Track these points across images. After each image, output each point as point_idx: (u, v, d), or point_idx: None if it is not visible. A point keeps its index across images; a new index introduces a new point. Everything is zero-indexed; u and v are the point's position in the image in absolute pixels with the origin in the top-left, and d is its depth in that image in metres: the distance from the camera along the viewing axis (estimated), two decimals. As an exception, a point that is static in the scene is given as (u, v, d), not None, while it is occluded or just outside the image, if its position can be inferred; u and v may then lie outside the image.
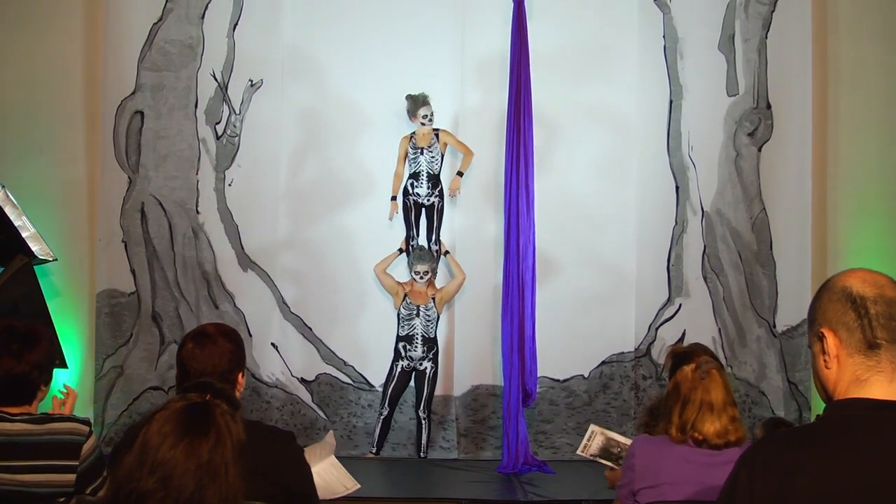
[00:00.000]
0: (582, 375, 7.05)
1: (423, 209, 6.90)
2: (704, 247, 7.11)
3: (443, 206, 6.92)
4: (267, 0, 7.04)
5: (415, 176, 6.88)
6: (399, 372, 6.78)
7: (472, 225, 7.07)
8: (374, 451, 6.77)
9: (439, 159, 6.88)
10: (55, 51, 6.85)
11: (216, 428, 1.80)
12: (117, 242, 6.91)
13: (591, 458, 3.99)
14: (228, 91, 7.03)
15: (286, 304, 7.04)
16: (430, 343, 6.78)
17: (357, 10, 7.07)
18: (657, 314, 7.08)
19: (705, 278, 7.10)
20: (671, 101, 7.12)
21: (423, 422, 6.77)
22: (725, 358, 6.92)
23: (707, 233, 7.11)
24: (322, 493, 2.86)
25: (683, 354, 3.25)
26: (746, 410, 6.80)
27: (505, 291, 6.50)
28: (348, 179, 7.09)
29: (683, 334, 6.95)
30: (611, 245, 7.09)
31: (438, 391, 6.86)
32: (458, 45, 7.06)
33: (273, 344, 7.02)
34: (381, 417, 6.79)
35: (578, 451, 4.05)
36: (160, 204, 6.97)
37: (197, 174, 7.01)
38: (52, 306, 6.24)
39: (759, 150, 7.10)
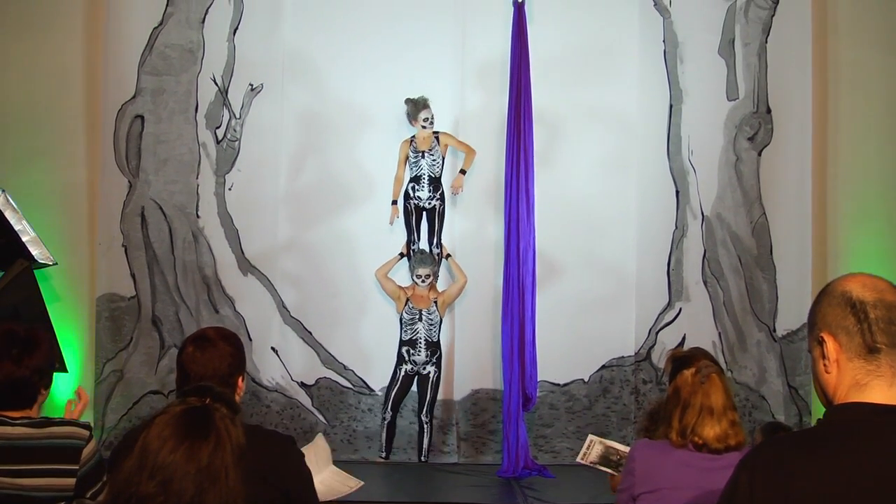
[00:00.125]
0: (582, 380, 7.05)
1: (425, 213, 6.90)
2: (704, 251, 7.11)
3: (444, 209, 6.93)
4: (267, 4, 7.05)
5: (416, 179, 6.88)
6: (402, 376, 6.78)
7: (473, 229, 7.07)
8: (383, 455, 6.76)
9: (440, 162, 6.89)
10: (56, 55, 6.86)
11: (216, 432, 1.80)
12: (117, 246, 6.91)
13: (591, 465, 3.99)
14: (229, 95, 7.04)
15: (286, 309, 7.03)
16: (434, 347, 6.78)
17: (357, 13, 7.08)
18: (657, 318, 7.08)
19: (705, 282, 7.10)
20: (671, 106, 7.13)
21: (426, 426, 6.76)
22: (725, 362, 6.92)
23: (707, 237, 7.11)
24: (326, 495, 2.85)
25: (683, 359, 3.25)
26: (747, 415, 6.80)
27: (505, 296, 6.51)
28: (348, 183, 7.10)
29: (683, 338, 6.95)
30: (611, 249, 7.09)
31: (439, 395, 6.86)
32: (459, 48, 7.06)
33: (273, 348, 7.02)
34: (386, 422, 6.78)
35: (578, 459, 4.06)
36: (160, 208, 6.98)
37: (197, 178, 7.02)
38: (53, 310, 6.23)
39: (759, 154, 7.11)
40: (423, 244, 6.90)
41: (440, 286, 6.93)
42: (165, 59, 6.99)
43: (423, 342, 6.75)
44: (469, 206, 7.07)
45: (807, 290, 6.80)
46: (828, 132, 7.03)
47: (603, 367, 7.04)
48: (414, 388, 6.82)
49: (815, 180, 7.02)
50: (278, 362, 7.01)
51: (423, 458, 6.75)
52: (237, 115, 7.05)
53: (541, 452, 6.86)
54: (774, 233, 7.06)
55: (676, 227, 7.12)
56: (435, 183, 6.88)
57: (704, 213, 7.12)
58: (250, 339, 6.86)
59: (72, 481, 2.78)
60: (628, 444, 3.86)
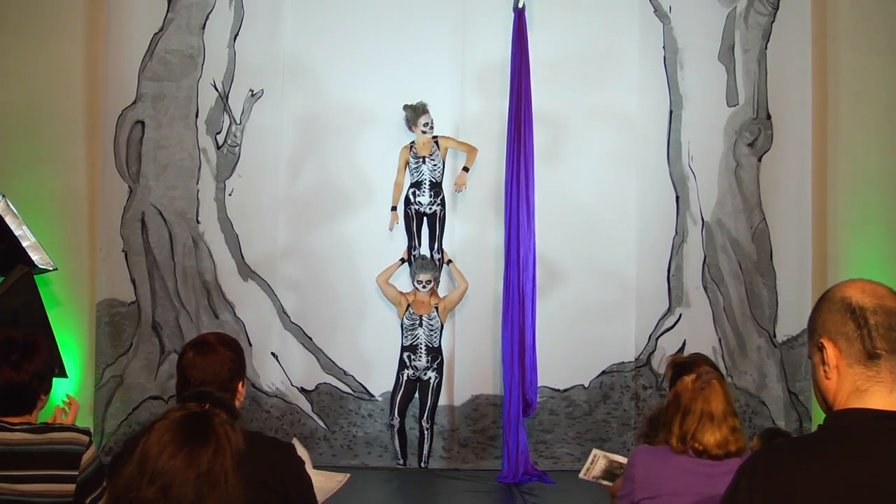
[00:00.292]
0: (582, 385, 7.04)
1: (426, 218, 6.90)
2: (705, 257, 7.11)
3: (445, 214, 6.93)
4: (267, 10, 7.06)
5: (417, 185, 6.88)
6: (405, 381, 6.77)
7: (473, 234, 7.07)
8: (400, 462, 6.75)
9: (441, 167, 6.89)
10: (56, 61, 6.87)
11: (216, 437, 1.80)
12: (118, 252, 6.92)
13: (594, 480, 3.98)
14: (229, 101, 7.05)
15: (286, 314, 7.03)
16: (435, 353, 6.77)
17: (357, 19, 7.09)
18: (657, 324, 7.08)
19: (705, 288, 7.10)
20: (671, 111, 7.14)
21: (426, 432, 6.76)
22: (726, 368, 6.91)
23: (707, 243, 7.11)
24: (319, 495, 2.85)
25: (684, 364, 3.24)
26: (747, 420, 6.79)
27: (505, 301, 6.51)
28: (348, 189, 7.10)
29: (684, 344, 6.95)
30: (611, 254, 7.09)
31: (439, 401, 6.85)
32: (459, 53, 7.07)
33: (273, 353, 7.02)
34: (395, 429, 6.77)
35: (581, 475, 4.04)
36: (160, 214, 6.98)
37: (197, 184, 7.03)
38: (53, 316, 6.24)
39: (759, 160, 7.11)
40: (424, 250, 6.90)
41: (441, 292, 6.92)
42: (166, 64, 7.00)
43: (423, 348, 6.75)
44: (470, 211, 7.07)
45: (807, 295, 6.79)
46: (827, 138, 7.02)
47: (603, 372, 7.04)
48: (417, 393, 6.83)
49: (814, 186, 7.02)
50: (278, 368, 7.00)
51: (423, 463, 6.75)
52: (237, 121, 7.06)
53: (541, 458, 6.85)
54: (774, 238, 7.06)
55: (676, 233, 7.12)
56: (436, 188, 6.88)
57: (704, 219, 7.12)
58: (250, 345, 6.86)
59: (71, 487, 2.77)
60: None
